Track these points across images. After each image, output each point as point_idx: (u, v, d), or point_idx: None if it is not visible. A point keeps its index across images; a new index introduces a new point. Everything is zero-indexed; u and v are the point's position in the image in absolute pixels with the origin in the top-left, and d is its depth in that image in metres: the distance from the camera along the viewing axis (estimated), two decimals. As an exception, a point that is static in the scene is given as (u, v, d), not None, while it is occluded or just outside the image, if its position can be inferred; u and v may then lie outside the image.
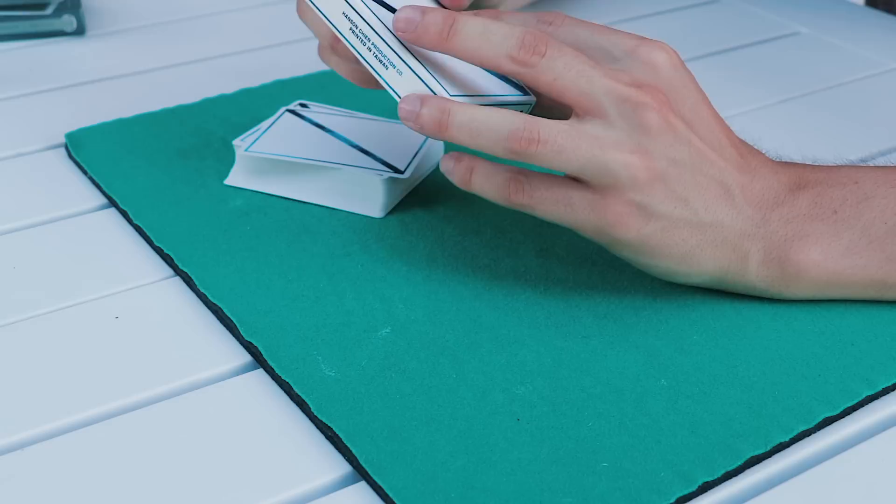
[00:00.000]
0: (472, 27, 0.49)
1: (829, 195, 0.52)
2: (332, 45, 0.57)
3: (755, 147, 0.53)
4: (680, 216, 0.50)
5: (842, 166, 0.54)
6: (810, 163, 0.55)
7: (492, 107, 0.50)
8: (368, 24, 0.51)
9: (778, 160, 0.54)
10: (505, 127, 0.48)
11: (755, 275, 0.52)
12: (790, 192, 0.51)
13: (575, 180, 0.50)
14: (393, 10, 0.52)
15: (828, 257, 0.51)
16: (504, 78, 0.54)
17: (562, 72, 0.48)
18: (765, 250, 0.51)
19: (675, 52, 0.50)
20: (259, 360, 0.51)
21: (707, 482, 0.44)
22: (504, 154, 0.49)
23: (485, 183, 0.51)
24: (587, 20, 0.52)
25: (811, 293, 0.53)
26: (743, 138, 0.56)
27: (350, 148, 0.63)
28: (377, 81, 0.56)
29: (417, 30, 0.49)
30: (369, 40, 0.51)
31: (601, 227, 0.50)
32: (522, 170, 0.51)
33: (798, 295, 0.53)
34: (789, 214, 0.51)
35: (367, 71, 0.57)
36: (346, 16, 0.52)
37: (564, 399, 0.48)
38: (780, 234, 0.51)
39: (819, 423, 0.47)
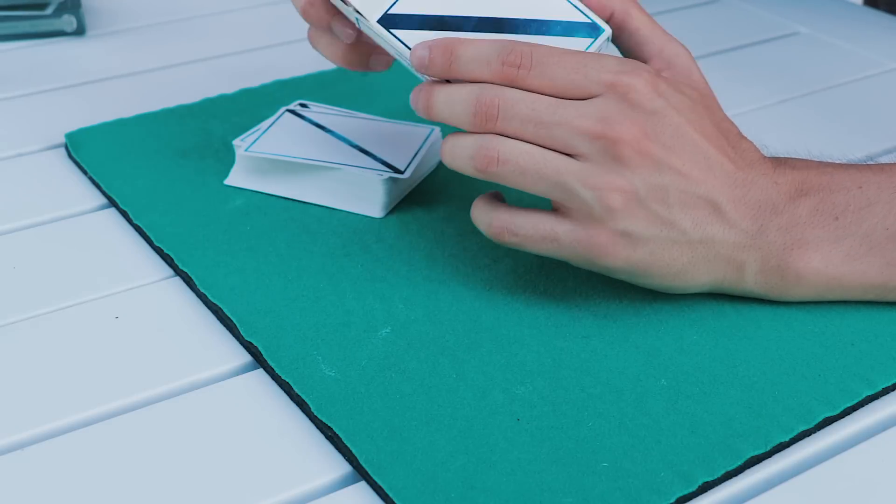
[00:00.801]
0: (440, 98, 0.51)
1: (830, 201, 0.51)
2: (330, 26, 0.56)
3: (758, 149, 0.53)
4: (668, 238, 0.50)
5: (846, 166, 0.53)
6: (816, 158, 0.55)
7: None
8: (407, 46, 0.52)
9: (783, 157, 0.54)
10: (471, 146, 0.50)
11: (753, 282, 0.52)
12: (790, 200, 0.51)
13: (559, 214, 0.50)
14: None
15: (828, 264, 0.51)
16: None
17: (520, 130, 0.49)
18: (762, 259, 0.51)
19: (654, 76, 0.50)
20: (259, 360, 0.51)
21: (707, 482, 0.44)
22: (474, 174, 0.50)
23: (479, 220, 0.53)
24: (562, 49, 0.50)
25: (811, 297, 0.52)
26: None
27: (350, 148, 0.63)
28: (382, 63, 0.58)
29: (417, 104, 0.52)
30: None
31: (589, 258, 0.50)
32: (510, 208, 0.52)
33: (798, 299, 0.53)
34: (788, 223, 0.51)
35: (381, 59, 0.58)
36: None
37: (564, 399, 0.48)
38: (779, 242, 0.51)
39: (819, 423, 0.47)
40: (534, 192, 0.50)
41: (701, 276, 0.51)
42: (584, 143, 0.48)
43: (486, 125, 0.49)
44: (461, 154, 0.50)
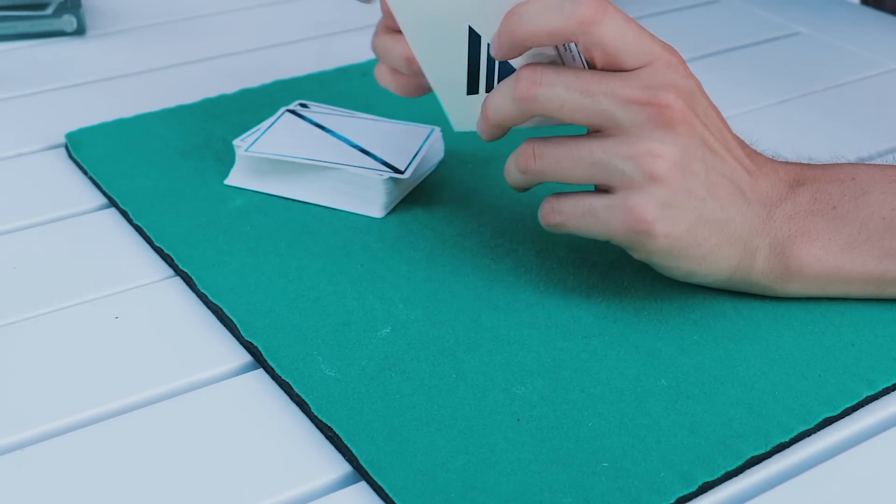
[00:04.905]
0: (490, 99, 0.51)
1: (827, 191, 0.52)
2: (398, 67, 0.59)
3: (753, 148, 0.54)
4: (702, 213, 0.49)
5: (838, 163, 0.54)
6: (806, 161, 0.56)
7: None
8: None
9: (775, 159, 0.54)
10: (512, 159, 0.51)
11: (759, 271, 0.52)
12: (791, 189, 0.52)
13: (601, 191, 0.50)
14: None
15: (828, 252, 0.51)
16: None
17: (564, 96, 0.48)
18: (770, 246, 0.51)
19: (682, 58, 0.50)
20: (259, 360, 0.51)
21: (707, 482, 0.44)
22: (518, 180, 0.52)
23: (539, 210, 0.53)
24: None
25: (811, 290, 0.53)
26: (742, 138, 0.56)
27: (350, 148, 0.63)
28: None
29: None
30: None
31: (628, 233, 0.49)
32: (556, 193, 0.52)
33: (798, 291, 0.53)
34: (792, 211, 0.51)
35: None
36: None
37: (564, 399, 0.48)
38: (785, 230, 0.51)
39: (819, 423, 0.47)
40: (573, 181, 0.50)
41: (722, 262, 0.51)
42: (628, 112, 0.48)
43: (529, 90, 0.49)
44: (510, 166, 0.52)
